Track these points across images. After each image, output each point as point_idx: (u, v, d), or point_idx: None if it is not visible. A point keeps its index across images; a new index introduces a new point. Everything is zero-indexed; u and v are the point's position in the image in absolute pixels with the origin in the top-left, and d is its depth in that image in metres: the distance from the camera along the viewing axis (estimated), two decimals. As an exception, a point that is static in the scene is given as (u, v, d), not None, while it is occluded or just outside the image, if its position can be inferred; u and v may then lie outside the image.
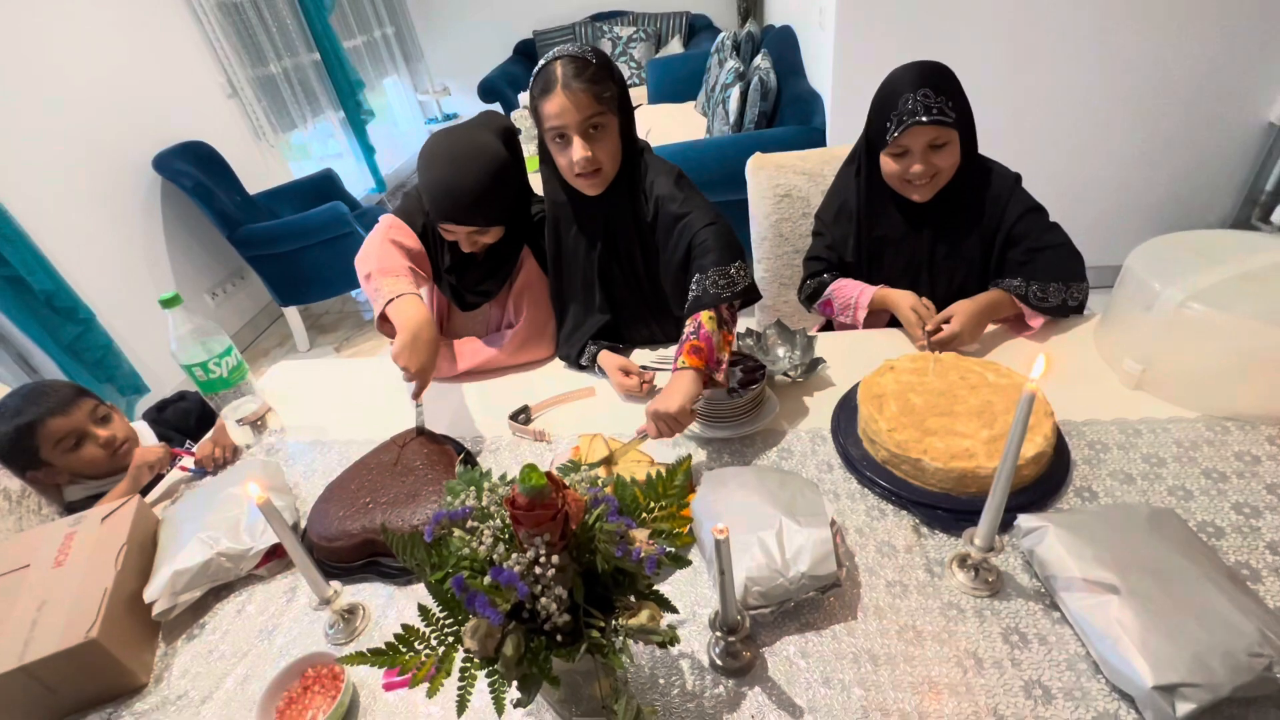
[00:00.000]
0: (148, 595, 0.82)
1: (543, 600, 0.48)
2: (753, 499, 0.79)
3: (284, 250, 2.73)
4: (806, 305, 1.33)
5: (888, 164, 1.11)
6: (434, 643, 0.51)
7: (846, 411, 0.98)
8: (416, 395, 1.00)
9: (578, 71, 0.97)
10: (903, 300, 1.12)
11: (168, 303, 0.98)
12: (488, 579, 0.50)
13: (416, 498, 0.90)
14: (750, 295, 1.01)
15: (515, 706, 0.56)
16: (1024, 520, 0.74)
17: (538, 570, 0.48)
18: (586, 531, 0.54)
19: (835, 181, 1.26)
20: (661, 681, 0.69)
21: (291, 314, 3.02)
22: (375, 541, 0.87)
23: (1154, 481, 0.82)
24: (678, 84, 4.00)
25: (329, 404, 1.24)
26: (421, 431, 1.02)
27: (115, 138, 2.56)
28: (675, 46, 4.63)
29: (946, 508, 0.80)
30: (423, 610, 0.52)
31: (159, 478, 1.09)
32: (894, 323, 1.19)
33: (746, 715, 0.65)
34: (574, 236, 1.17)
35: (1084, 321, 1.12)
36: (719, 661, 0.70)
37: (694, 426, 0.97)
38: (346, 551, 0.87)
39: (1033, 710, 0.61)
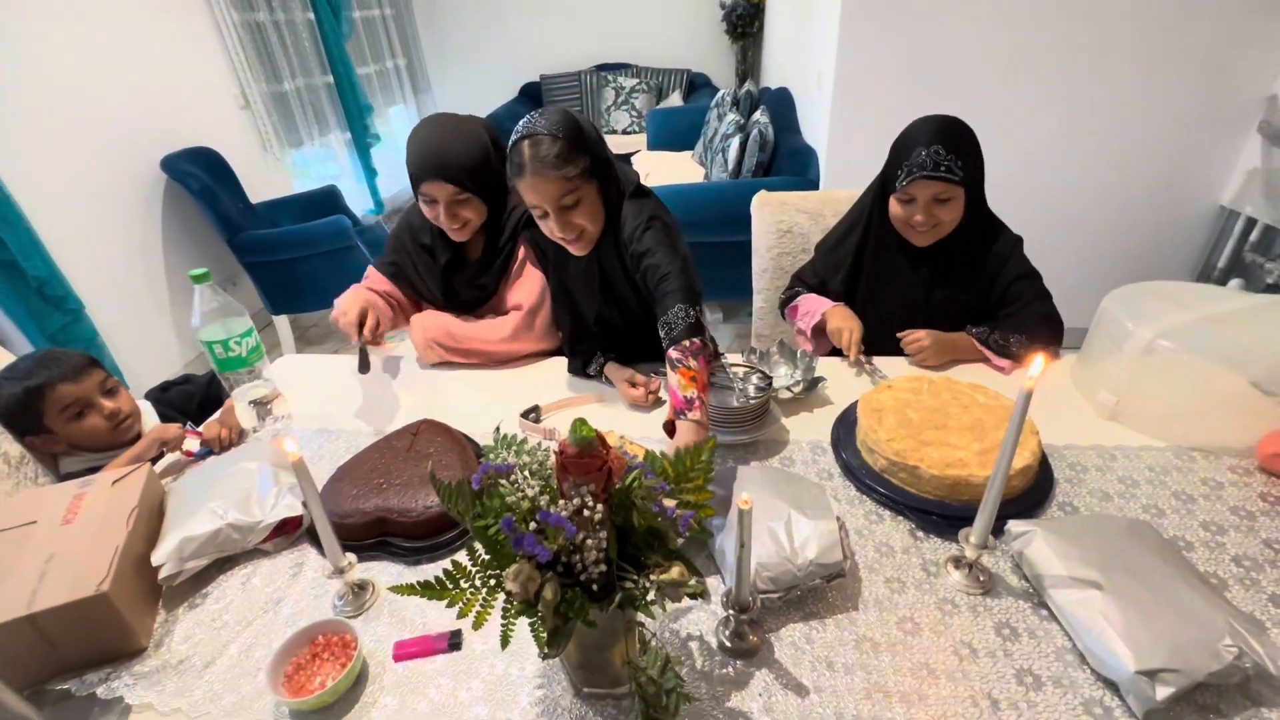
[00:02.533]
0: (155, 558, 0.81)
1: (589, 542, 0.51)
2: (761, 493, 0.82)
3: (283, 258, 2.74)
4: (780, 311, 1.45)
5: (894, 207, 1.21)
6: (478, 583, 0.53)
7: (845, 425, 1.04)
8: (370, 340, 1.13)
9: (545, 155, 0.96)
10: (834, 314, 1.25)
11: (198, 278, 1.01)
12: (534, 525, 0.53)
13: (429, 482, 0.92)
14: (692, 333, 0.97)
15: (543, 659, 0.58)
16: (1014, 525, 0.80)
17: (585, 513, 0.51)
18: (623, 490, 0.57)
19: (849, 213, 1.35)
20: (682, 683, 0.71)
21: (281, 323, 3.01)
22: (387, 520, 0.88)
23: (1129, 500, 0.88)
24: (676, 134, 4.20)
25: (335, 395, 1.25)
26: (365, 366, 1.15)
27: (127, 135, 2.59)
28: (675, 100, 4.87)
29: (940, 513, 0.85)
30: (470, 551, 0.54)
31: (160, 455, 1.09)
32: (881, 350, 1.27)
33: (755, 693, 0.67)
34: (572, 275, 1.22)
35: (1061, 359, 1.21)
36: (728, 644, 0.72)
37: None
38: (358, 529, 0.88)
39: (1024, 695, 0.65)
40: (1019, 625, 0.72)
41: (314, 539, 0.91)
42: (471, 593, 0.52)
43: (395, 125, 5.28)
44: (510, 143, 1.01)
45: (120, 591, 0.74)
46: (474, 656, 0.73)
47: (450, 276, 1.30)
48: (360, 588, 0.82)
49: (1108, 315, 1.06)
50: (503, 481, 0.56)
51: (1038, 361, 0.63)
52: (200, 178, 2.66)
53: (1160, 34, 2.06)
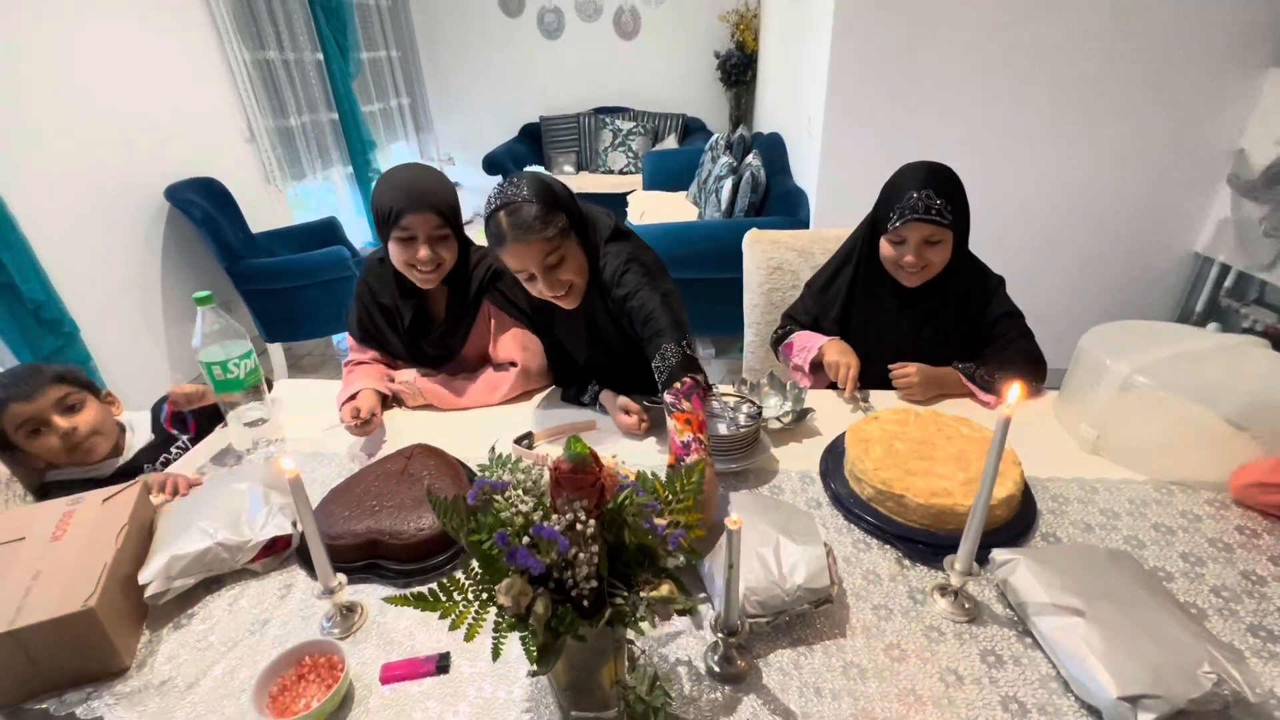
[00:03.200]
0: (143, 577, 0.81)
1: (581, 557, 0.52)
2: (749, 519, 0.83)
3: (281, 287, 2.77)
4: (773, 349, 1.47)
5: (885, 248, 1.25)
6: (470, 596, 0.54)
7: (834, 455, 1.06)
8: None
9: (522, 222, 0.99)
10: (831, 347, 1.27)
11: (202, 300, 1.02)
12: (527, 539, 0.54)
13: (422, 505, 0.92)
14: (684, 370, 0.95)
15: (530, 676, 0.58)
16: (998, 554, 0.81)
17: (578, 526, 0.52)
18: (615, 509, 0.59)
19: (838, 252, 1.39)
20: (671, 701, 0.71)
21: (275, 351, 3.02)
22: (378, 542, 0.88)
23: (1111, 531, 0.90)
24: (671, 175, 4.33)
25: (329, 420, 1.26)
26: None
27: (133, 163, 2.64)
28: (671, 142, 5.02)
29: (926, 542, 0.87)
30: (464, 567, 0.55)
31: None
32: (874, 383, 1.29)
33: (742, 718, 0.67)
34: (559, 325, 1.25)
35: (1044, 396, 1.24)
36: (716, 669, 0.72)
37: (692, 458, 1.03)
38: (349, 550, 0.88)
39: (1010, 722, 0.66)
40: (1004, 653, 0.73)
41: (303, 560, 0.90)
42: (464, 606, 0.53)
43: (397, 161, 5.40)
44: (486, 216, 1.03)
45: (107, 609, 0.73)
46: (462, 679, 0.73)
47: (416, 337, 1.30)
48: (349, 609, 0.81)
49: (1086, 352, 1.10)
50: (497, 497, 0.58)
51: (1014, 389, 0.66)
52: (202, 206, 2.71)
53: (1137, 89, 2.17)
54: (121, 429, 1.26)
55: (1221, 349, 1.04)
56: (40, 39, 2.27)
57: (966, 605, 0.78)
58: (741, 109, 5.01)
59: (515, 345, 1.30)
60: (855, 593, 0.82)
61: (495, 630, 0.52)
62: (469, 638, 0.51)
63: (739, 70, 4.78)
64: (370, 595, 0.85)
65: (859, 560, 0.87)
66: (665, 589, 0.57)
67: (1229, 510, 0.92)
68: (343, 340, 3.33)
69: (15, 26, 2.19)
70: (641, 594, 0.57)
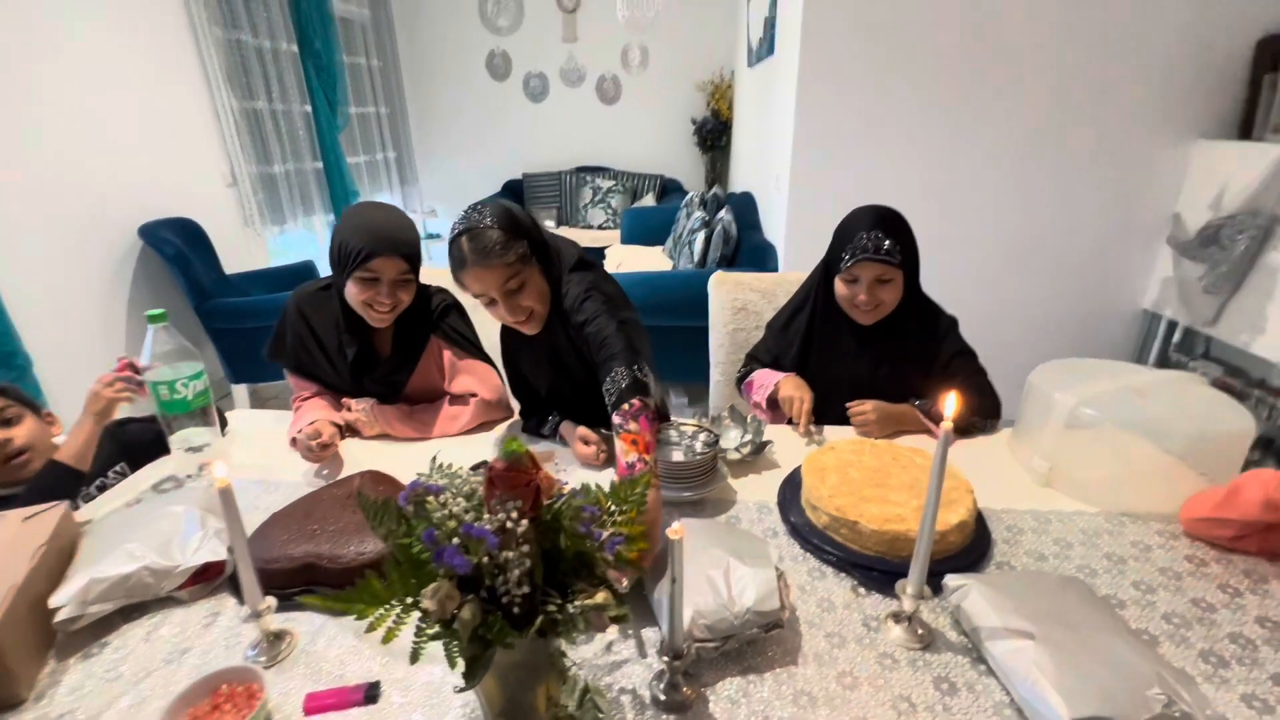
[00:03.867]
0: (54, 600, 0.76)
1: (511, 557, 0.50)
2: (702, 543, 0.82)
3: (249, 326, 2.74)
4: (737, 387, 1.51)
5: (840, 287, 1.29)
6: (393, 600, 0.51)
7: (791, 487, 1.05)
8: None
9: (483, 246, 1.01)
10: (786, 383, 1.29)
11: (154, 318, 1.01)
12: (456, 541, 0.52)
13: (364, 529, 0.89)
14: (633, 392, 0.95)
15: (457, 692, 0.55)
16: (951, 579, 0.80)
17: (508, 525, 0.51)
18: (551, 512, 0.57)
19: (796, 294, 1.43)
20: (601, 716, 0.68)
21: (240, 392, 2.96)
22: (316, 567, 0.84)
23: (1064, 560, 0.90)
24: (649, 231, 4.45)
25: (278, 449, 1.22)
26: None
27: (107, 199, 2.64)
28: (649, 200, 5.19)
29: (881, 569, 0.85)
30: (390, 565, 0.53)
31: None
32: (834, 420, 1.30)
33: (686, 748, 0.64)
34: (522, 355, 1.27)
35: (999, 433, 1.26)
36: (661, 697, 0.69)
37: (648, 488, 1.02)
38: (284, 575, 0.83)
39: (963, 750, 0.63)
40: (958, 680, 0.71)
41: (235, 588, 0.86)
42: (385, 609, 0.50)
43: (379, 211, 5.47)
44: (451, 239, 1.05)
45: (7, 633, 0.68)
46: (391, 710, 0.68)
47: (359, 371, 1.27)
48: (277, 637, 0.77)
49: (1035, 387, 1.12)
50: (430, 499, 0.56)
51: (950, 400, 0.67)
52: (175, 244, 2.70)
53: (1086, 150, 2.32)
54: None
55: (1163, 383, 1.08)
56: (26, 71, 2.31)
57: (920, 632, 0.76)
58: (717, 171, 5.22)
59: (472, 379, 1.30)
60: (809, 621, 0.80)
61: (416, 635, 0.50)
62: (387, 640, 0.48)
63: (714, 136, 5.02)
64: (304, 623, 0.81)
65: (813, 588, 0.85)
66: (600, 596, 0.55)
67: (1178, 540, 0.93)
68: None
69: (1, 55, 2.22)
70: (576, 602, 0.55)
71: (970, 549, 0.89)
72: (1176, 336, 2.43)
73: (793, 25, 2.40)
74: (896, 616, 0.79)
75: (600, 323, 1.05)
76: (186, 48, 3.05)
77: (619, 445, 0.90)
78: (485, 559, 0.52)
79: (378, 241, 1.14)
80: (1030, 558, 0.90)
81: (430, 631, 0.51)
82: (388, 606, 0.50)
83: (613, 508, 0.64)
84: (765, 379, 1.37)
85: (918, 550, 0.73)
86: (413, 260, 1.19)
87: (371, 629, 0.48)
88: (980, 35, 2.21)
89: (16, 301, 2.20)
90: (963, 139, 2.34)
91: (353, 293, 1.18)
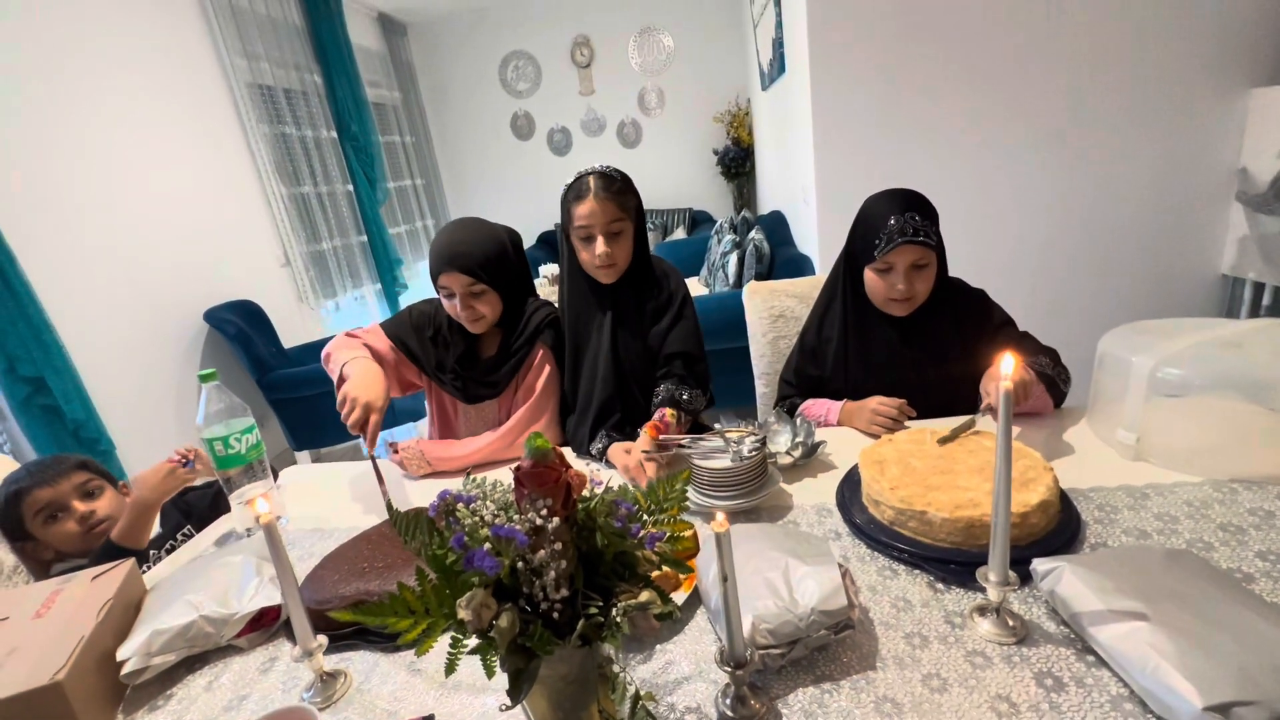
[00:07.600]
0: (121, 653, 0.77)
1: (543, 555, 0.48)
2: (757, 546, 0.77)
3: (307, 394, 2.86)
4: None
5: (872, 280, 1.22)
6: (426, 608, 0.49)
7: (850, 485, 0.99)
8: (371, 442, 1.09)
9: (606, 185, 1.21)
10: (860, 411, 1.19)
11: (205, 378, 1.05)
12: (487, 545, 0.50)
13: (413, 562, 0.88)
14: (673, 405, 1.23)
15: (503, 711, 0.52)
16: (1039, 563, 0.72)
17: (539, 522, 0.48)
18: (585, 510, 0.54)
19: (818, 300, 1.37)
20: None
21: (303, 459, 3.06)
22: (366, 604, 0.83)
23: (1170, 536, 0.80)
24: (682, 263, 4.39)
25: (333, 500, 1.24)
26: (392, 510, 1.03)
27: (174, 289, 2.86)
28: (680, 234, 5.23)
29: (959, 561, 0.78)
30: (419, 575, 0.51)
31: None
32: None
33: (760, 767, 0.58)
34: (590, 318, 1.32)
35: (1071, 413, 1.15)
36: (728, 713, 0.64)
37: (696, 498, 0.98)
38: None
39: (1080, 752, 0.55)
40: (1063, 674, 0.63)
41: (290, 632, 0.85)
42: (418, 620, 0.48)
43: (423, 276, 5.73)
44: (577, 176, 1.23)
45: (77, 685, 0.69)
46: (445, 744, 0.65)
47: (463, 370, 1.33)
48: (330, 676, 0.75)
49: (1108, 354, 1.03)
50: (460, 508, 0.54)
51: (1008, 359, 0.61)
52: (237, 324, 2.88)
53: (1125, 116, 2.20)
54: None
55: (1255, 331, 0.97)
56: (95, 172, 2.55)
57: (1012, 624, 0.68)
58: (744, 197, 5.24)
59: (552, 385, 1.34)
60: (884, 622, 0.73)
61: (452, 646, 0.47)
62: (420, 652, 0.46)
63: (738, 163, 5.06)
64: (357, 662, 0.79)
65: (885, 588, 0.78)
66: (645, 595, 0.52)
67: (1305, 503, 0.82)
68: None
69: (72, 160, 2.45)
70: (619, 603, 0.51)
71: (1058, 532, 0.81)
72: (1266, 299, 2.23)
73: (800, 39, 2.42)
74: (983, 610, 0.71)
75: (686, 328, 1.30)
76: (239, 145, 3.32)
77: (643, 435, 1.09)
78: (520, 562, 0.49)
79: (441, 260, 1.23)
80: (1130, 536, 0.81)
81: (468, 644, 0.48)
82: (421, 617, 0.48)
83: (650, 505, 0.60)
84: (815, 411, 1.30)
85: (994, 530, 0.66)
86: (483, 273, 1.23)
87: (404, 640, 0.46)
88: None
89: (98, 391, 2.36)
90: (992, 120, 2.26)
91: (445, 305, 1.30)
